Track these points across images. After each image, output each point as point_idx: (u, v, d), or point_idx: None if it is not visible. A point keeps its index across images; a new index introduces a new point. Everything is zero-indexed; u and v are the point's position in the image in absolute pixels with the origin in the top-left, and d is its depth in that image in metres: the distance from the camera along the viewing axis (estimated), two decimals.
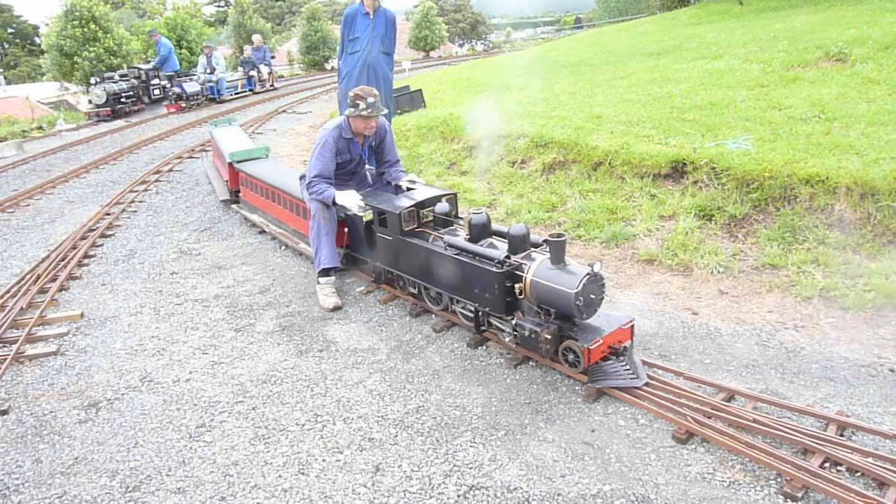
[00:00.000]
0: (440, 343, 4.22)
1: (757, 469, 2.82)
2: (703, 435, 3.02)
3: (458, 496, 2.82)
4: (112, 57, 19.16)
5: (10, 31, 47.09)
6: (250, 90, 19.46)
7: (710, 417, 3.12)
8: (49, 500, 2.98)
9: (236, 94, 18.89)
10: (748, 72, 8.80)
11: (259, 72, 19.83)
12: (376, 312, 4.76)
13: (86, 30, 18.71)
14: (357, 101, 4.76)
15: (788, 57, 9.04)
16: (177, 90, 16.79)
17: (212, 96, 17.70)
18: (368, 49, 7.16)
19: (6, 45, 46.60)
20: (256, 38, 20.76)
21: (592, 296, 3.48)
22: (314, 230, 4.95)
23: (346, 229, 5.23)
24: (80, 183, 9.61)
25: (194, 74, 17.53)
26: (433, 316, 4.57)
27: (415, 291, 4.66)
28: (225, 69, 18.27)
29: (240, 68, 20.08)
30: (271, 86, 20.48)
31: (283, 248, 6.23)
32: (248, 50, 20.25)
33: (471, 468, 2.99)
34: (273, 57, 23.18)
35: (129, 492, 3.01)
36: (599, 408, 3.38)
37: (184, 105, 16.75)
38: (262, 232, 6.70)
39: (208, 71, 17.53)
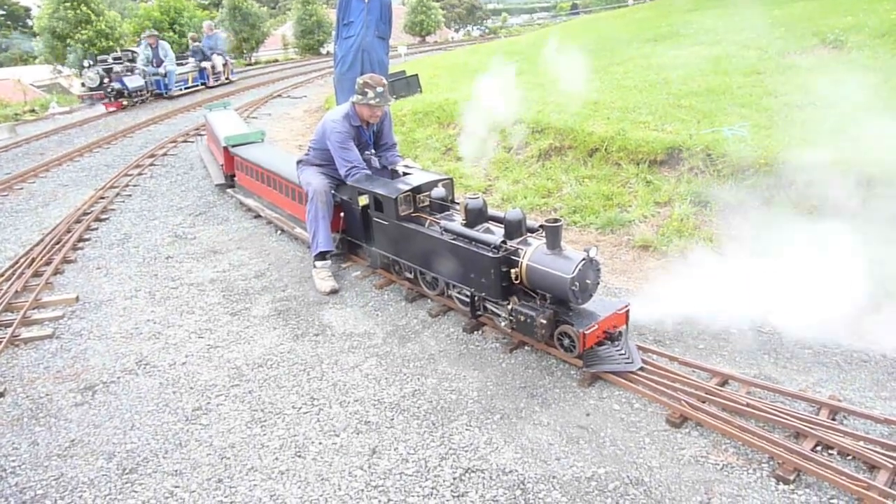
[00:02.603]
0: (436, 328, 4.23)
1: (750, 452, 2.85)
2: (696, 419, 3.05)
3: (454, 479, 2.84)
4: (105, 40, 18.90)
5: (1, 12, 46.43)
6: (202, 84, 17.56)
7: (703, 402, 3.14)
8: (46, 482, 3.00)
9: (186, 88, 16.95)
10: (745, 58, 8.78)
11: (213, 63, 17.78)
12: (372, 297, 4.76)
13: (78, 11, 18.47)
14: (365, 90, 4.72)
15: (785, 44, 9.02)
16: (116, 85, 14.56)
17: (158, 91, 15.86)
18: (363, 34, 7.12)
19: None
20: (207, 24, 19.01)
21: (588, 281, 3.49)
22: (311, 214, 4.94)
23: (341, 214, 5.22)
24: (73, 166, 9.55)
25: (136, 67, 15.40)
26: (429, 301, 4.58)
27: (411, 276, 4.66)
28: (174, 61, 16.35)
29: (191, 59, 17.77)
30: (227, 79, 18.46)
31: (279, 232, 6.21)
32: (198, 37, 18.12)
33: (466, 451, 3.02)
34: (231, 57, 20.72)
35: (126, 474, 3.02)
36: (594, 392, 3.40)
37: (125, 102, 14.72)
38: (258, 216, 6.68)
39: (154, 64, 15.67)
